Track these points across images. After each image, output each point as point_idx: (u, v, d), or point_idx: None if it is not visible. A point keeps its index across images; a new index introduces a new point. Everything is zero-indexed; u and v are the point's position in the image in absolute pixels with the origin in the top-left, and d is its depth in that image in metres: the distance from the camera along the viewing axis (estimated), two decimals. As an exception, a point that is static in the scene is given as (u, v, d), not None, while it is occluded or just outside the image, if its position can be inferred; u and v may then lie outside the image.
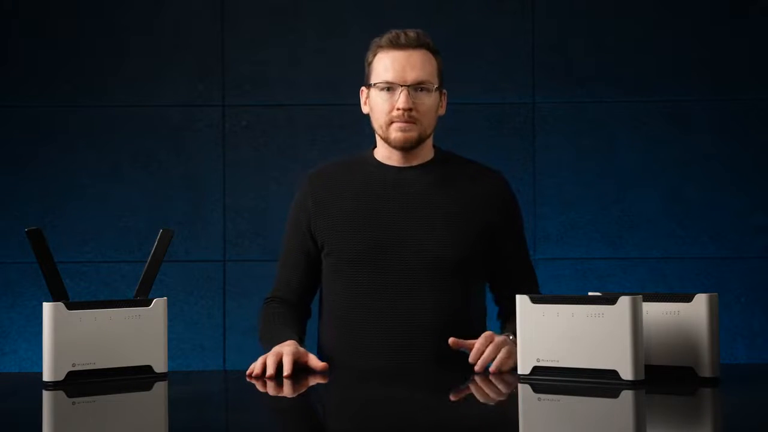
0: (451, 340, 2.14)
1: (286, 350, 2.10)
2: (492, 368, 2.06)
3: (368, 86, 2.34)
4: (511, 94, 3.67)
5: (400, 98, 2.27)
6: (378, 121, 2.33)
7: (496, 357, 2.07)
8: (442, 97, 2.37)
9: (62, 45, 3.69)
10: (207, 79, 3.69)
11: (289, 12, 3.71)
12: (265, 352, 2.25)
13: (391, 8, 3.67)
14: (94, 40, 3.70)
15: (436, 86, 2.31)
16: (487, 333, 2.12)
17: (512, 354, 2.08)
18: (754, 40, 3.64)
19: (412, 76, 2.28)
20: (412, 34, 2.31)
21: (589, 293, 1.95)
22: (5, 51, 3.69)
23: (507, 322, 2.35)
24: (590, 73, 3.66)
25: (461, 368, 2.16)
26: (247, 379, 2.04)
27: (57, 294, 1.94)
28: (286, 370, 2.05)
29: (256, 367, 2.07)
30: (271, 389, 1.95)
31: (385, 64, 2.30)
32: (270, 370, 2.05)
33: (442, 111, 2.37)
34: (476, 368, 2.07)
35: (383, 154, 2.38)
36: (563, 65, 3.66)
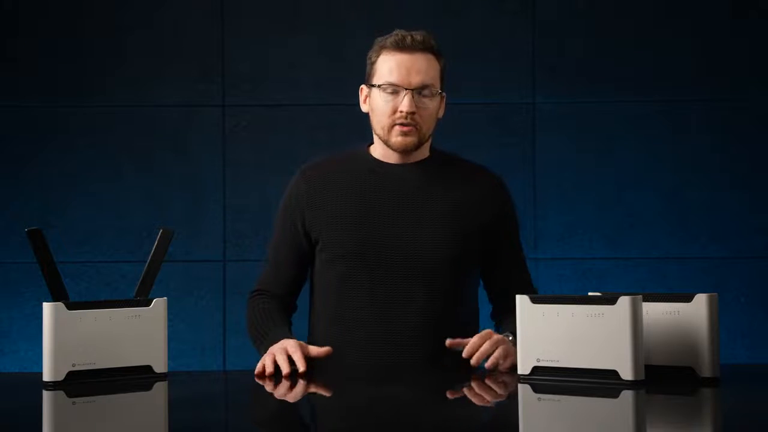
0: (448, 341, 2.14)
1: (292, 347, 2.10)
2: (488, 364, 2.06)
3: (369, 86, 2.34)
4: (511, 94, 3.67)
5: (404, 101, 2.26)
6: (380, 123, 2.32)
7: (492, 353, 2.08)
8: (442, 101, 2.36)
9: (62, 45, 3.69)
10: (207, 79, 3.69)
11: (289, 12, 3.71)
12: (257, 347, 2.27)
13: (391, 8, 3.67)
14: (94, 40, 3.70)
15: (438, 90, 2.31)
16: (486, 330, 2.13)
17: (510, 353, 2.09)
18: (754, 41, 3.64)
19: (416, 80, 2.27)
20: (418, 36, 2.29)
21: (589, 293, 1.95)
22: (5, 51, 3.69)
23: (502, 321, 2.36)
24: (590, 73, 3.66)
25: (458, 367, 2.16)
26: (256, 380, 2.04)
27: (57, 294, 1.94)
28: (302, 367, 2.06)
29: (268, 366, 2.07)
30: (271, 388, 1.95)
31: (390, 66, 2.28)
32: (286, 368, 2.06)
33: (441, 113, 2.37)
34: (472, 361, 2.07)
35: (380, 152, 2.37)
36: (563, 65, 3.66)
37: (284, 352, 2.10)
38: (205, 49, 3.70)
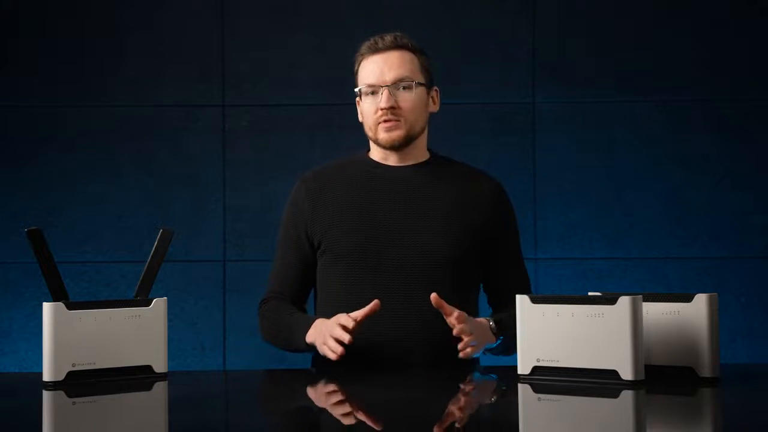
0: (433, 296, 2.16)
1: (343, 319, 2.14)
2: (462, 354, 2.12)
3: (358, 96, 2.39)
4: (511, 94, 3.67)
5: (383, 98, 2.32)
6: (367, 124, 2.38)
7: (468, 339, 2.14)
8: (434, 94, 2.41)
9: (62, 45, 3.69)
10: (207, 79, 3.69)
11: (289, 12, 3.71)
12: (284, 341, 2.33)
13: (391, 8, 3.67)
14: (94, 40, 3.70)
15: (418, 81, 2.34)
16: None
17: (480, 344, 2.18)
18: (754, 40, 3.63)
19: (390, 76, 2.33)
20: (388, 37, 2.36)
21: (589, 293, 1.95)
22: (5, 51, 3.69)
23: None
24: (590, 73, 3.66)
25: (457, 366, 2.16)
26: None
27: (57, 294, 1.94)
28: (351, 324, 2.12)
29: (336, 349, 2.11)
30: (269, 389, 1.95)
31: (367, 70, 2.36)
32: (348, 338, 2.11)
33: (434, 108, 2.41)
34: (455, 331, 2.13)
35: (378, 155, 2.41)
36: (563, 65, 3.66)
37: (336, 325, 2.13)
38: (205, 49, 3.70)
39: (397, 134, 2.34)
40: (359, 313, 2.14)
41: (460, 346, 2.12)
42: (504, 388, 1.95)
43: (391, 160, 2.39)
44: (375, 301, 2.15)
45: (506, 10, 3.68)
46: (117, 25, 3.70)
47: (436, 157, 2.43)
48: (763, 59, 3.63)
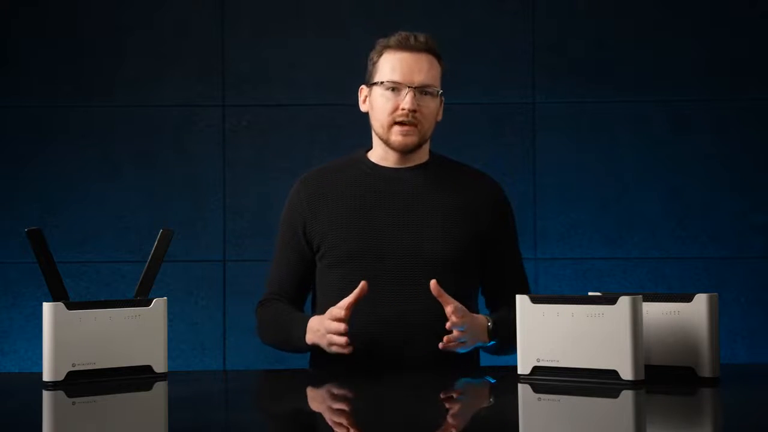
0: (432, 283, 2.15)
1: (335, 311, 2.16)
2: (441, 345, 2.13)
3: (370, 85, 2.35)
4: (511, 94, 3.67)
5: (406, 99, 2.28)
6: (379, 121, 2.33)
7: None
8: (441, 104, 2.38)
9: (62, 45, 3.69)
10: (207, 79, 3.69)
11: (289, 12, 3.71)
12: (282, 342, 2.34)
13: (391, 8, 3.67)
14: (94, 40, 3.70)
15: (440, 91, 2.32)
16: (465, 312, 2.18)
17: (469, 343, 2.18)
18: (754, 41, 3.63)
19: (419, 79, 2.29)
20: (421, 38, 2.32)
21: (589, 293, 1.95)
22: (5, 51, 3.69)
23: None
24: (590, 73, 3.66)
25: (457, 367, 2.16)
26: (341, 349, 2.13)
27: (57, 294, 1.94)
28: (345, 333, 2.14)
29: (341, 341, 2.14)
30: (269, 389, 1.95)
31: (393, 65, 2.30)
32: (342, 327, 2.14)
33: (439, 117, 2.39)
34: (449, 324, 2.13)
35: (379, 154, 2.39)
36: (563, 65, 3.66)
37: (329, 321, 2.15)
38: (205, 49, 3.70)
39: (412, 140, 2.32)
40: (348, 300, 2.14)
41: (445, 338, 2.12)
42: (496, 394, 1.95)
43: (392, 161, 2.37)
44: (362, 283, 2.15)
45: (506, 9, 3.68)
46: (117, 25, 3.70)
47: (435, 157, 2.41)
48: (763, 59, 3.63)
